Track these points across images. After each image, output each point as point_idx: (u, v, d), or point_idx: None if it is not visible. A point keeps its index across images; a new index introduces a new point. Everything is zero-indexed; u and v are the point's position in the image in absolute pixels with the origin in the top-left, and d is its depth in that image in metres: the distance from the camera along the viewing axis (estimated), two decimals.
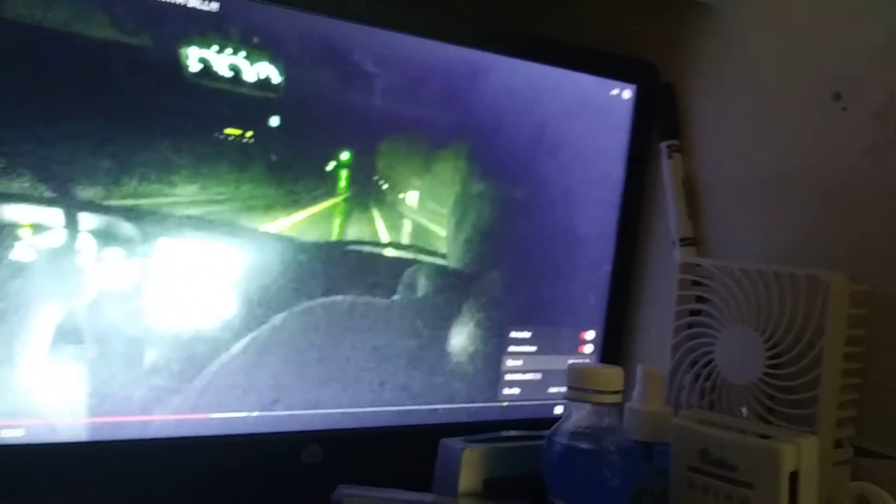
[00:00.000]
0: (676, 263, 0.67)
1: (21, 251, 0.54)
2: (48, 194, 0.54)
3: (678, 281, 0.65)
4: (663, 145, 0.76)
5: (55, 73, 0.54)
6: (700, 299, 0.64)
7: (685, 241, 0.73)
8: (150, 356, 0.58)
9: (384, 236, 0.67)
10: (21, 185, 0.54)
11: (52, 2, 0.53)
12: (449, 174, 0.69)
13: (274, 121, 0.61)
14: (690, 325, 0.65)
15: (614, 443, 0.54)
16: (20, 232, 0.54)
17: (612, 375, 0.55)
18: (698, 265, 0.65)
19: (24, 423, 0.55)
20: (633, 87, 0.77)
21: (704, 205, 0.74)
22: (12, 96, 0.53)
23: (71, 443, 0.56)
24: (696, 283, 0.65)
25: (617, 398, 0.55)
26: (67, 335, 0.56)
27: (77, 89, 0.55)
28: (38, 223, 0.55)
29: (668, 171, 0.75)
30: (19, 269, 0.54)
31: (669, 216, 0.75)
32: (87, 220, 0.56)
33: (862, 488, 0.54)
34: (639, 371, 0.61)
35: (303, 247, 0.63)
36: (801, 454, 0.51)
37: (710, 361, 0.63)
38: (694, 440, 0.55)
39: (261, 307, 0.62)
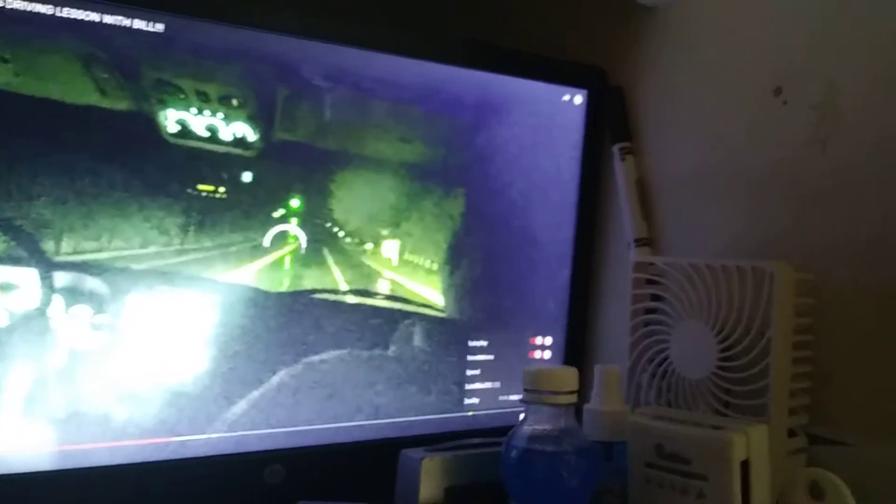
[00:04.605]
0: (630, 264, 0.68)
1: None
2: (14, 252, 0.55)
3: (632, 280, 0.66)
4: (615, 148, 0.77)
5: (18, 132, 0.55)
6: (655, 297, 0.65)
7: (640, 242, 0.74)
8: (112, 386, 0.58)
9: (338, 260, 0.68)
10: None
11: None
12: (399, 187, 0.70)
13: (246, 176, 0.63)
14: (647, 324, 0.65)
15: (572, 444, 0.54)
16: None
17: (566, 376, 0.55)
18: (651, 263, 0.65)
19: None
20: (584, 91, 0.78)
21: (657, 204, 0.75)
22: None
23: (34, 472, 0.56)
24: (650, 282, 0.65)
25: (572, 398, 0.55)
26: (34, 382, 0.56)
27: (44, 145, 0.56)
28: (5, 281, 0.55)
29: (620, 173, 0.76)
30: None
31: (624, 218, 0.76)
32: (53, 276, 0.56)
33: (814, 474, 0.54)
34: (595, 371, 0.61)
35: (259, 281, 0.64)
36: (752, 443, 0.51)
37: (665, 358, 0.63)
38: (649, 436, 0.55)
39: (223, 342, 0.62)
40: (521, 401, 0.56)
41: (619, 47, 0.78)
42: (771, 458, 0.53)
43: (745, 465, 0.51)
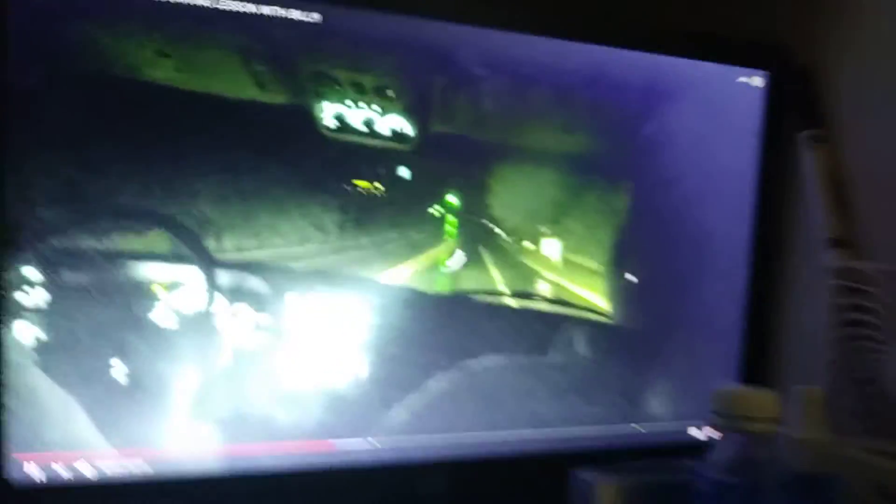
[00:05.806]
0: (825, 268, 0.60)
1: (154, 301, 0.55)
2: (180, 251, 0.55)
3: (833, 288, 0.58)
4: (804, 135, 0.69)
5: (181, 128, 0.55)
6: (858, 308, 0.57)
7: (835, 243, 0.66)
8: (273, 387, 0.58)
9: (496, 259, 0.64)
10: (153, 242, 0.55)
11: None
12: (560, 181, 0.65)
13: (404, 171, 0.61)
14: (848, 339, 0.57)
15: (772, 476, 0.48)
16: (153, 286, 0.55)
17: (767, 400, 0.49)
18: (857, 269, 0.57)
19: (146, 454, 0.55)
20: (765, 73, 0.70)
21: (857, 201, 0.66)
22: (151, 153, 0.54)
23: (195, 474, 0.56)
24: (853, 291, 0.57)
25: (773, 426, 0.49)
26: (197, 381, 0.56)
27: (205, 141, 0.55)
28: (171, 279, 0.55)
29: (811, 164, 0.68)
30: (147, 320, 0.55)
31: (815, 215, 0.67)
32: (215, 274, 0.56)
33: None
34: (796, 393, 0.54)
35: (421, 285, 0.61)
36: None
37: (874, 381, 0.55)
38: (868, 473, 0.48)
39: (380, 344, 0.60)
40: (712, 425, 0.50)
41: (806, 23, 0.70)
42: None
43: None
